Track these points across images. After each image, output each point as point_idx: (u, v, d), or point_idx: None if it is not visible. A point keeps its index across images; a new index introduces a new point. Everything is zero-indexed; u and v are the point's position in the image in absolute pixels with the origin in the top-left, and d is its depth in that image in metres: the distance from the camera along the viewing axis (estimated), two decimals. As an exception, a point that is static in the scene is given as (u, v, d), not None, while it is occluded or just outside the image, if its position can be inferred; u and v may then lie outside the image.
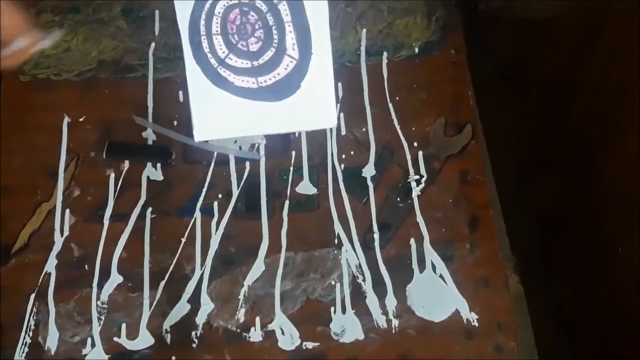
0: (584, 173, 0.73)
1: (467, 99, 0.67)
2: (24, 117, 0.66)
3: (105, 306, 0.59)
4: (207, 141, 0.64)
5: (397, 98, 0.67)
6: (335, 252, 0.61)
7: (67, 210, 0.63)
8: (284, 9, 0.54)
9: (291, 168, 0.64)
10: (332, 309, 0.59)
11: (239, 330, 0.59)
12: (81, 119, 0.66)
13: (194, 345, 0.58)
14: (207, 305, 0.59)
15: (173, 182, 0.64)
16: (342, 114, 0.66)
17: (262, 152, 0.65)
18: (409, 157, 0.64)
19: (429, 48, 0.69)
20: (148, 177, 0.64)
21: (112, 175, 0.64)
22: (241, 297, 0.60)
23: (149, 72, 0.68)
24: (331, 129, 0.65)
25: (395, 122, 0.66)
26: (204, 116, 0.59)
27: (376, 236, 0.61)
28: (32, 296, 0.60)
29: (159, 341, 0.58)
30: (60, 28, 0.68)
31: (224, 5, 0.55)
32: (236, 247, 0.61)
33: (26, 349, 0.58)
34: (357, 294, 0.59)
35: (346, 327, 0.58)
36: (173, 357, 0.58)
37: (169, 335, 0.58)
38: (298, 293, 0.60)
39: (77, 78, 0.68)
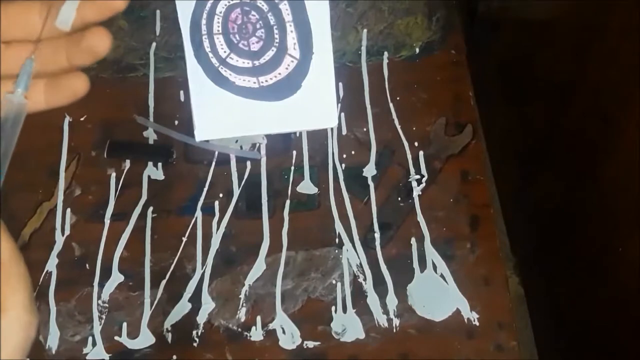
0: (584, 173, 0.73)
1: (468, 99, 0.67)
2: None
3: (106, 305, 0.59)
4: (208, 141, 0.64)
5: (397, 98, 0.67)
6: (336, 251, 0.61)
7: (68, 210, 0.63)
8: (285, 8, 0.54)
9: (292, 167, 0.64)
10: (333, 308, 0.59)
11: (240, 330, 0.59)
12: (82, 118, 0.66)
13: (195, 345, 0.58)
14: (208, 305, 0.59)
15: (174, 182, 0.64)
16: (343, 114, 0.66)
17: (263, 151, 0.65)
18: (409, 156, 0.64)
19: (430, 48, 0.69)
20: (149, 177, 0.64)
21: (113, 175, 0.64)
22: (242, 296, 0.60)
23: (150, 71, 0.68)
24: (332, 129, 0.65)
25: (396, 121, 0.66)
26: (205, 116, 0.59)
27: (377, 235, 0.61)
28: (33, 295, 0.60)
29: (160, 340, 0.58)
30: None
31: (225, 5, 0.55)
32: (237, 246, 0.61)
33: (27, 348, 0.58)
34: (358, 293, 0.60)
35: (347, 326, 0.58)
36: (174, 356, 0.58)
37: (169, 334, 0.59)
38: (299, 292, 0.60)
39: (78, 77, 0.68)
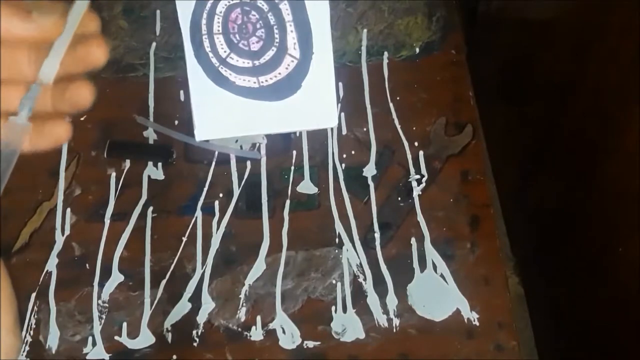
0: (584, 173, 0.73)
1: (468, 98, 0.67)
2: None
3: (106, 305, 0.59)
4: (208, 140, 0.64)
5: (397, 98, 0.67)
6: (336, 251, 0.61)
7: (68, 209, 0.63)
8: (285, 8, 0.54)
9: (292, 167, 0.64)
10: (333, 308, 0.59)
11: (240, 329, 0.59)
12: (82, 118, 0.66)
13: (195, 344, 0.58)
14: (208, 305, 0.59)
15: (174, 181, 0.64)
16: (343, 114, 0.66)
17: (263, 151, 0.65)
18: (409, 156, 0.64)
19: (430, 48, 0.69)
20: (149, 176, 0.64)
21: (113, 175, 0.64)
22: (242, 296, 0.60)
23: (150, 71, 0.68)
24: (332, 129, 0.65)
25: (396, 121, 0.66)
26: (205, 115, 0.59)
27: (377, 235, 0.61)
28: (33, 295, 0.60)
29: (160, 340, 0.58)
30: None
31: (225, 5, 0.55)
32: (237, 246, 0.61)
33: (27, 348, 0.58)
34: (358, 293, 0.60)
35: (347, 326, 0.58)
36: (174, 356, 0.58)
37: (169, 334, 0.59)
38: (299, 292, 0.60)
39: (78, 77, 0.68)
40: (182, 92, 0.67)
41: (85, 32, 0.32)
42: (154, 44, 0.69)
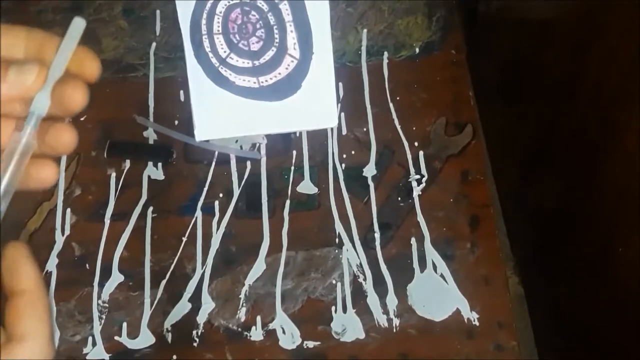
0: (584, 173, 0.73)
1: (468, 98, 0.67)
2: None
3: (106, 305, 0.59)
4: (208, 141, 0.64)
5: (397, 98, 0.67)
6: (336, 251, 0.61)
7: (68, 210, 0.63)
8: (285, 8, 0.54)
9: (292, 167, 0.64)
10: (333, 308, 0.59)
11: (240, 330, 0.59)
12: (82, 118, 0.66)
13: (194, 345, 0.58)
14: (208, 305, 0.59)
15: (174, 182, 0.64)
16: (343, 114, 0.66)
17: (263, 151, 0.65)
18: (409, 156, 0.64)
19: (430, 48, 0.69)
20: (149, 177, 0.64)
21: (113, 175, 0.64)
22: (242, 296, 0.60)
23: (150, 71, 0.68)
24: (332, 129, 0.65)
25: (396, 121, 0.66)
26: (205, 116, 0.59)
27: (377, 235, 0.61)
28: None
29: (160, 340, 0.58)
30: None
31: (225, 5, 0.55)
32: (237, 246, 0.61)
33: (27, 348, 0.58)
34: (358, 293, 0.60)
35: (347, 326, 0.58)
36: (174, 356, 0.58)
37: (169, 334, 0.59)
38: (299, 292, 0.60)
39: (78, 77, 0.68)
40: (182, 92, 0.67)
41: (80, 71, 0.31)
42: (154, 44, 0.70)
